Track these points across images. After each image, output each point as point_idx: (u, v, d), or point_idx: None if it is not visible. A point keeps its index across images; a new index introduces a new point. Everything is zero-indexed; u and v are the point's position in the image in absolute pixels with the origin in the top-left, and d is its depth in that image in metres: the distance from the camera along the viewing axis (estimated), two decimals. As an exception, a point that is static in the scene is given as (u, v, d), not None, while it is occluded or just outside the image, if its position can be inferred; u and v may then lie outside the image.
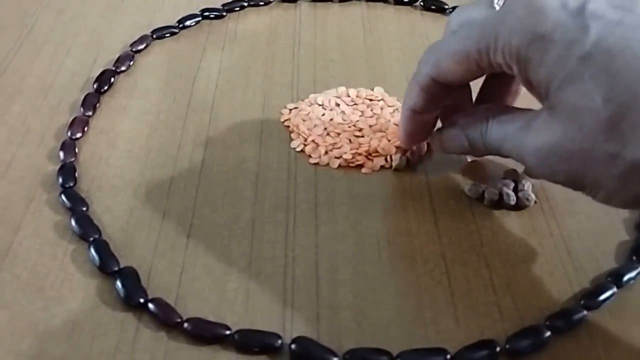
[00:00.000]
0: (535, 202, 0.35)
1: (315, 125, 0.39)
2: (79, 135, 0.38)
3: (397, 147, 0.37)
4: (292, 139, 0.39)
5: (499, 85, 0.35)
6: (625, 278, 0.31)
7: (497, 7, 0.31)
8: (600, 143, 0.26)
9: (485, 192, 0.35)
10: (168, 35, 0.46)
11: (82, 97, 0.41)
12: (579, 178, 0.28)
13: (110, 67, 0.43)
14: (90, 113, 0.40)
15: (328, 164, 0.37)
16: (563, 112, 0.27)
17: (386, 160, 0.37)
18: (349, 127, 0.39)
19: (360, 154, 0.37)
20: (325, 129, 0.39)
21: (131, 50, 0.44)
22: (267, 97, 0.42)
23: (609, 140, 0.26)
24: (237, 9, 0.49)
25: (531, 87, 0.29)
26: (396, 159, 0.37)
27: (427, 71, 0.32)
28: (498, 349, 0.28)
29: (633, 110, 0.25)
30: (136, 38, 0.45)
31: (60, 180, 0.35)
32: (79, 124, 0.39)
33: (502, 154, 0.31)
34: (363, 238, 0.33)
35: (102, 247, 0.32)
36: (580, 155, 0.27)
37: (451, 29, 0.33)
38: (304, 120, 0.39)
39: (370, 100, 0.41)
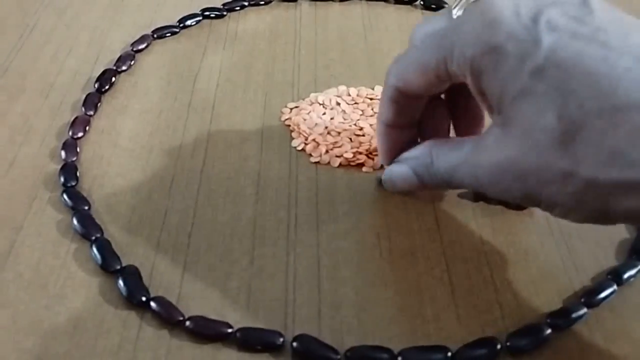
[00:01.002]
0: None
1: (316, 124, 0.39)
2: (80, 134, 0.38)
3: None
4: (292, 138, 0.39)
5: (459, 112, 0.35)
6: (626, 276, 0.31)
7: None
8: (554, 161, 0.26)
9: None
10: (169, 34, 0.46)
11: (84, 96, 0.41)
12: (535, 196, 0.27)
13: (112, 66, 0.43)
14: (91, 112, 0.40)
15: (329, 162, 0.37)
16: (517, 128, 0.27)
17: (387, 158, 0.37)
18: (350, 126, 0.39)
19: (361, 153, 0.37)
20: (326, 128, 0.39)
21: (132, 50, 0.45)
22: (267, 97, 0.42)
23: (563, 158, 0.25)
24: (238, 8, 0.49)
25: (484, 99, 0.28)
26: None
27: (392, 83, 0.32)
28: (499, 346, 0.29)
29: (585, 127, 0.25)
30: (137, 37, 0.46)
31: (62, 179, 0.36)
32: (81, 123, 0.39)
33: (452, 185, 0.31)
34: (364, 236, 0.33)
35: (104, 246, 0.32)
36: (535, 173, 0.26)
37: (414, 43, 0.33)
38: (304, 120, 0.39)
39: (371, 99, 0.41)
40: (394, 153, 0.34)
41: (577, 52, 0.25)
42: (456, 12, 0.31)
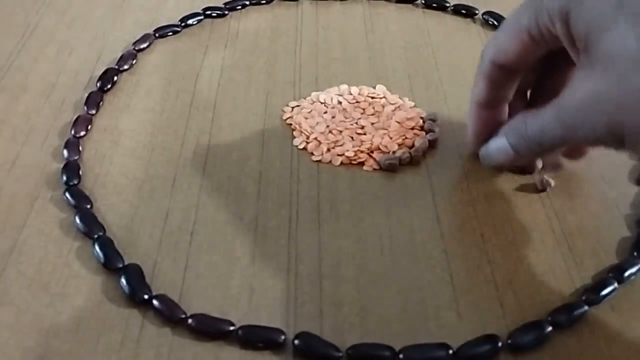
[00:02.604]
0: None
1: (317, 123, 0.39)
2: (82, 133, 0.38)
3: (399, 145, 0.38)
4: (294, 137, 0.39)
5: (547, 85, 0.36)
6: (627, 274, 0.31)
7: None
8: (637, 83, 0.26)
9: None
10: (170, 33, 0.47)
11: (86, 95, 0.41)
12: (619, 128, 0.28)
13: (113, 65, 0.43)
14: (93, 111, 0.40)
15: (330, 161, 0.37)
16: (601, 60, 0.28)
17: (388, 157, 0.37)
18: (351, 124, 0.39)
19: (362, 152, 0.37)
20: (328, 126, 0.39)
21: (134, 49, 0.45)
22: (269, 96, 0.42)
23: None
24: (239, 7, 0.49)
25: (573, 45, 0.30)
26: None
27: (488, 57, 0.33)
28: (500, 344, 0.29)
29: None
30: (139, 37, 0.46)
31: (65, 178, 0.36)
32: (83, 122, 0.39)
33: (544, 146, 0.31)
34: (365, 234, 0.34)
35: (107, 244, 0.32)
36: (618, 100, 0.27)
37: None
38: (306, 118, 0.39)
39: (372, 98, 0.41)
40: (484, 136, 0.35)
41: None
42: None
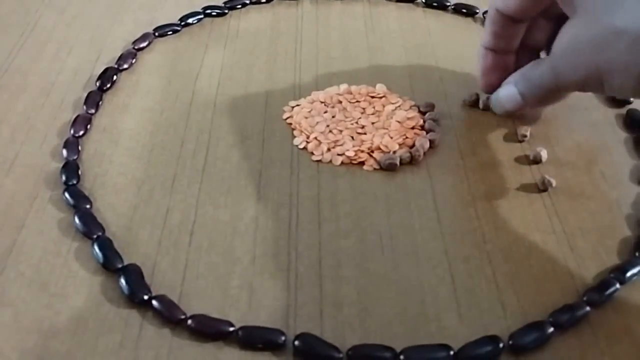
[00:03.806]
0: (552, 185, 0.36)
1: (317, 123, 0.39)
2: (81, 133, 0.38)
3: (400, 144, 0.38)
4: (294, 136, 0.39)
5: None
6: (628, 274, 0.31)
7: None
8: (609, 22, 0.29)
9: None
10: (170, 32, 0.46)
11: (85, 95, 0.41)
12: (596, 69, 0.30)
13: (113, 65, 0.43)
14: (92, 111, 0.40)
15: (330, 161, 0.37)
16: (579, 7, 0.31)
17: (389, 157, 0.37)
18: (351, 124, 0.39)
19: (362, 151, 0.37)
20: (328, 126, 0.39)
21: (133, 48, 0.45)
22: (269, 95, 0.42)
23: (617, 18, 0.29)
24: (239, 6, 0.49)
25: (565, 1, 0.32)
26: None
27: (493, 4, 0.36)
28: (501, 344, 0.29)
29: None
30: (138, 36, 0.46)
31: (64, 177, 0.36)
32: (82, 121, 0.39)
33: (545, 95, 0.34)
34: (366, 235, 0.33)
35: (106, 245, 0.32)
36: (593, 41, 0.30)
37: None
38: (306, 118, 0.39)
39: (372, 97, 0.41)
40: (489, 77, 0.38)
41: None
42: None
